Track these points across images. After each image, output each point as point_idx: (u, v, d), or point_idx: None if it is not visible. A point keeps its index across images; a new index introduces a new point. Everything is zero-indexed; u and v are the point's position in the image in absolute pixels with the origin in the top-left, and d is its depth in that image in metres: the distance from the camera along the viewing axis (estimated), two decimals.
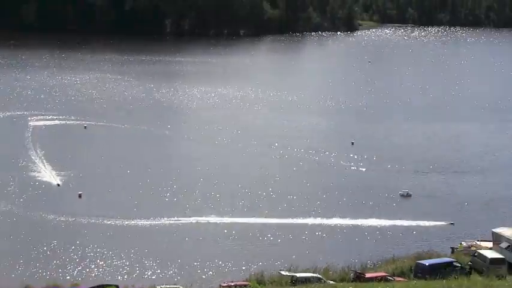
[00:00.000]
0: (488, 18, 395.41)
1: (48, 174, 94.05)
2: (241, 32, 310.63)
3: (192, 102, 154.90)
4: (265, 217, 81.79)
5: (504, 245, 66.93)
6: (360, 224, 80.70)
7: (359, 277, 59.60)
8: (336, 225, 79.91)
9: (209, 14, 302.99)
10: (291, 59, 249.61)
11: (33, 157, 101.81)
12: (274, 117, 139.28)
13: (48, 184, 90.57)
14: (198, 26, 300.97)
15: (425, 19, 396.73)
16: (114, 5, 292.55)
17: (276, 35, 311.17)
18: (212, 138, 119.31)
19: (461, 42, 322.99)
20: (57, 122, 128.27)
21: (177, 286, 57.76)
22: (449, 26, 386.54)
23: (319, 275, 59.32)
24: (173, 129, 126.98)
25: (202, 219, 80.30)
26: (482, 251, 66.44)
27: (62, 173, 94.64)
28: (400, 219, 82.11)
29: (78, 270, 65.35)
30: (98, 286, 56.00)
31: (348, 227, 79.76)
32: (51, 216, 78.76)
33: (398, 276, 60.88)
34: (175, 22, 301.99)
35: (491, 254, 65.07)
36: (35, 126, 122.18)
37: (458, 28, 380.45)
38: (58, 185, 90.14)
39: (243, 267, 66.20)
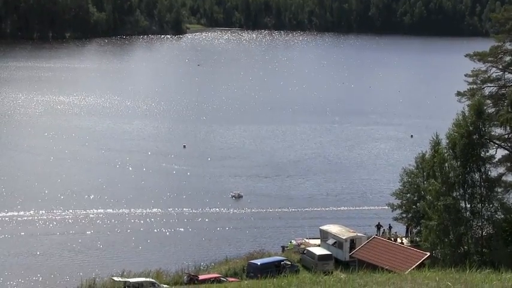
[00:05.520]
0: (311, 22, 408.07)
1: None
2: (67, 35, 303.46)
3: (21, 109, 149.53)
4: (96, 220, 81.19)
5: (331, 241, 69.74)
6: (192, 225, 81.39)
7: (192, 279, 60.02)
8: (168, 228, 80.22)
9: (32, 17, 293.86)
10: (120, 62, 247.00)
11: None
12: (108, 122, 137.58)
13: None
14: (20, 29, 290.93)
15: (251, 23, 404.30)
16: None
17: (103, 38, 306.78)
18: (45, 145, 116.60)
19: (287, 46, 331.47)
20: None
21: None
22: (275, 30, 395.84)
23: (152, 279, 59.20)
24: (7, 136, 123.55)
25: (30, 221, 78.60)
26: (310, 248, 68.86)
27: None
28: (232, 220, 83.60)
29: None
30: None
31: (181, 229, 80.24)
32: None
33: (231, 276, 61.84)
34: None
35: (319, 251, 67.64)
36: None
37: (283, 32, 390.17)
38: None
39: (74, 276, 65.07)
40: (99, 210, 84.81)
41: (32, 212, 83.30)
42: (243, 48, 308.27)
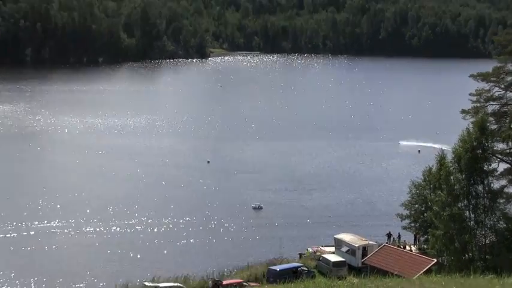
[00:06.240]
0: (325, 46, 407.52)
1: None
2: (100, 59, 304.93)
3: (60, 129, 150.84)
4: (128, 230, 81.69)
5: (344, 249, 69.72)
6: (216, 234, 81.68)
7: (217, 284, 60.21)
8: (194, 237, 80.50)
9: (68, 43, 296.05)
10: (149, 85, 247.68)
11: None
12: (139, 140, 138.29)
13: None
14: (58, 54, 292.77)
15: (269, 47, 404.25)
16: None
17: (133, 62, 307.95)
18: (82, 161, 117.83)
19: (303, 68, 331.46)
20: None
21: None
22: (292, 53, 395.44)
23: (180, 284, 59.49)
24: (44, 154, 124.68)
25: (69, 232, 79.21)
26: (326, 255, 68.87)
27: None
28: (253, 229, 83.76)
29: None
30: None
31: (206, 238, 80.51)
32: None
33: (253, 281, 61.91)
34: (35, 51, 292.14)
35: (333, 258, 67.65)
36: None
37: (299, 55, 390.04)
38: None
39: (107, 281, 65.52)
40: (131, 221, 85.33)
41: (70, 222, 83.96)
42: (263, 70, 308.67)
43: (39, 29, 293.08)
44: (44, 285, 65.47)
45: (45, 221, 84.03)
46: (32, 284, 65.55)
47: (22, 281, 66.25)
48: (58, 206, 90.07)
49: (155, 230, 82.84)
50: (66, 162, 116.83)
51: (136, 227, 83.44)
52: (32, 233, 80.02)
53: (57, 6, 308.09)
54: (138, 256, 74.02)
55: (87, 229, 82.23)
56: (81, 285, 65.09)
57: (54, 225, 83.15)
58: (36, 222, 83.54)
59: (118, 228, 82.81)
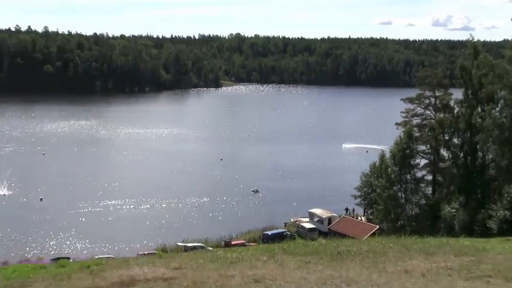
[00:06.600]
0: (302, 79, 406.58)
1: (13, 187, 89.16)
2: (147, 89, 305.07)
3: (120, 136, 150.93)
4: (164, 206, 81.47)
5: (316, 219, 69.69)
6: (226, 209, 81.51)
7: (227, 244, 60.10)
8: (211, 211, 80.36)
9: (125, 77, 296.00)
10: (180, 106, 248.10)
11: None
12: (174, 144, 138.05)
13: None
14: (118, 85, 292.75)
15: (263, 80, 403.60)
16: (61, 72, 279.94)
17: (169, 90, 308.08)
18: (136, 159, 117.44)
19: (287, 94, 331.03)
20: (22, 149, 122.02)
21: (110, 256, 55.96)
22: (279, 84, 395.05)
23: (202, 244, 59.36)
24: (108, 154, 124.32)
25: (125, 208, 78.97)
26: (303, 224, 68.84)
27: (28, 186, 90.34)
28: (252, 206, 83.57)
29: (42, 248, 62.85)
30: (55, 259, 53.34)
31: (219, 212, 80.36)
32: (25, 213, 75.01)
33: (252, 242, 61.78)
34: (102, 83, 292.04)
35: (308, 225, 67.64)
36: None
37: (284, 85, 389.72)
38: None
39: (150, 241, 65.29)
40: (167, 200, 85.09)
41: (124, 201, 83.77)
42: (259, 96, 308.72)
43: (105, 68, 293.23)
44: (105, 244, 65.23)
45: (107, 201, 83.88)
46: (98, 244, 65.27)
47: (91, 242, 66.03)
48: (116, 190, 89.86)
49: (184, 206, 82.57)
50: (122, 160, 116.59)
51: (171, 205, 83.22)
52: (97, 209, 79.85)
53: (118, 53, 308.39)
54: (172, 224, 73.86)
55: (136, 206, 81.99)
56: (132, 245, 64.83)
57: (114, 203, 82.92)
58: (102, 202, 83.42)
59: (157, 206, 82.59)
